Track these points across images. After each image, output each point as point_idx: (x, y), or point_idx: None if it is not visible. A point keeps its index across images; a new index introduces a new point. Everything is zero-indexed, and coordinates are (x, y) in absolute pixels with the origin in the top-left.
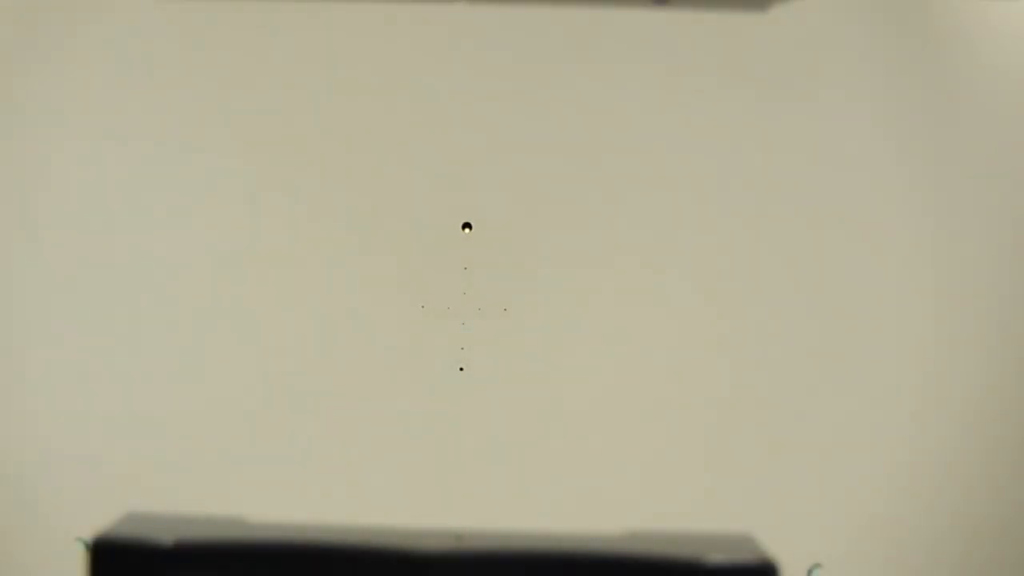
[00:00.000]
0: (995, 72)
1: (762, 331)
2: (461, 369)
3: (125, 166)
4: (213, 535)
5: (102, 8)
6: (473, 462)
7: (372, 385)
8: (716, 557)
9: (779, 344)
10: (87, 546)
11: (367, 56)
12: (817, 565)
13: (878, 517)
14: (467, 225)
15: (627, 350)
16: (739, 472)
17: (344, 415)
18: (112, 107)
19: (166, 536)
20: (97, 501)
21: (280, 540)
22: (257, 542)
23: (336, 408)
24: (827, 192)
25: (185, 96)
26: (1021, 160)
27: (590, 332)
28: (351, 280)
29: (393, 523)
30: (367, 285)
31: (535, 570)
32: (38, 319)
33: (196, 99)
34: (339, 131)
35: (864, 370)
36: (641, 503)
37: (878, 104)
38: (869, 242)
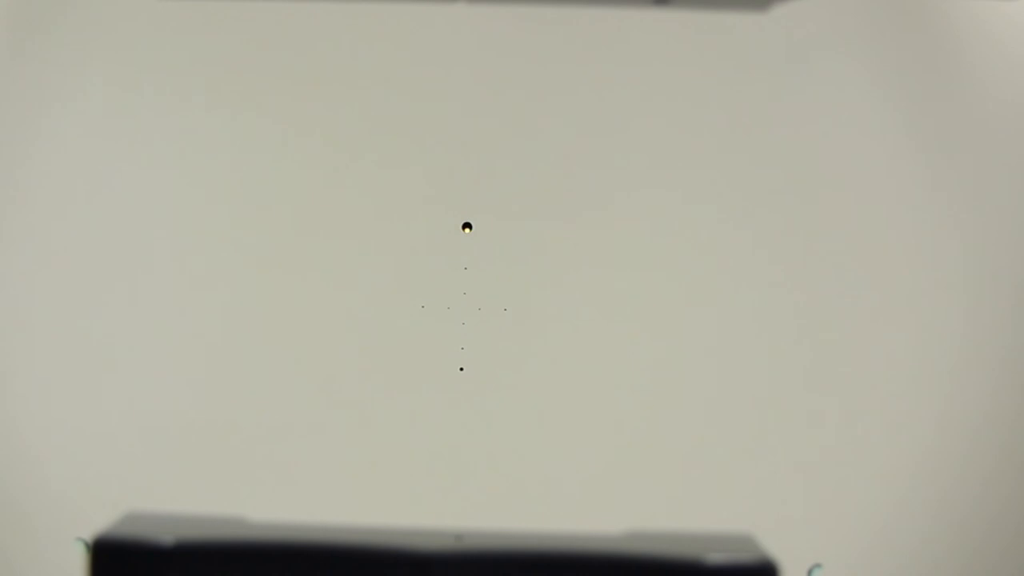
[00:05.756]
0: (996, 72)
1: (764, 331)
2: (461, 369)
3: (124, 166)
4: (213, 535)
5: (102, 6)
6: (473, 462)
7: (372, 385)
8: (716, 557)
9: (782, 343)
10: (87, 546)
11: (367, 56)
12: (817, 565)
13: (879, 517)
14: (467, 225)
15: (628, 349)
16: (739, 472)
17: (344, 415)
18: (113, 106)
19: (166, 536)
20: (97, 501)
21: (280, 540)
22: (257, 542)
23: (336, 408)
24: (828, 191)
25: (183, 96)
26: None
27: (590, 332)
28: (351, 280)
29: (393, 523)
30: (367, 285)
31: (535, 570)
32: (37, 318)
33: (195, 99)
34: (338, 131)
35: (867, 371)
36: (641, 503)
37: (879, 104)
38: (871, 241)
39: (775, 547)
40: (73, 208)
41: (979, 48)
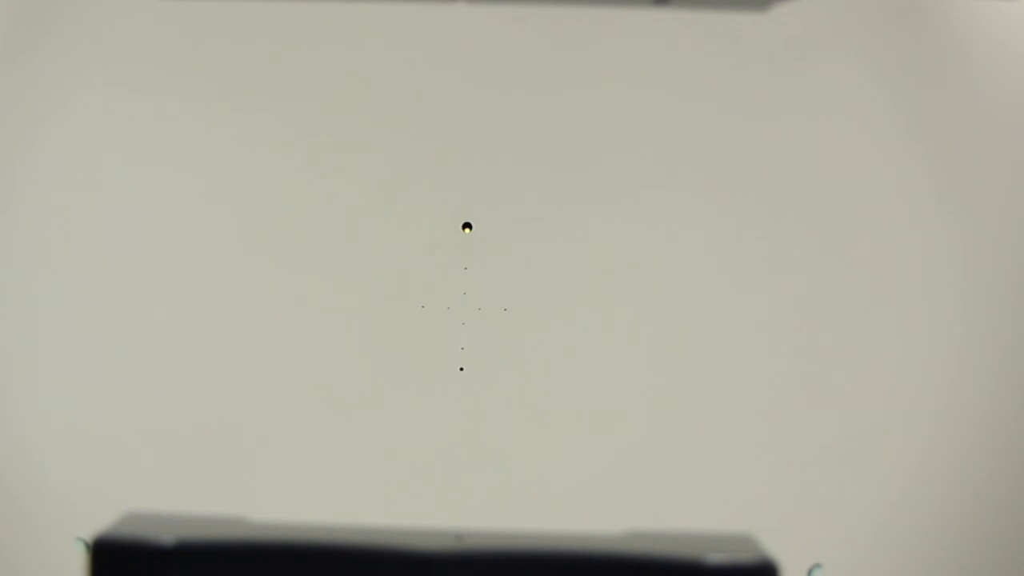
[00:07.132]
0: (997, 72)
1: (764, 331)
2: (461, 369)
3: (123, 167)
4: (213, 535)
5: (102, 6)
6: (473, 462)
7: (372, 385)
8: (716, 557)
9: (782, 342)
10: (87, 546)
11: (367, 56)
12: (817, 565)
13: (879, 517)
14: (467, 225)
15: (627, 349)
16: (739, 472)
17: (344, 415)
18: (112, 105)
19: (166, 536)
20: (97, 501)
21: (280, 540)
22: (257, 542)
23: (336, 408)
24: (828, 192)
25: (184, 95)
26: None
27: (590, 332)
28: (351, 280)
29: (393, 523)
30: (367, 285)
31: (535, 570)
32: (37, 318)
33: (195, 98)
34: (338, 130)
35: (867, 371)
36: (641, 503)
37: (879, 104)
38: (871, 240)
39: (775, 547)
40: (73, 208)
41: (979, 48)
